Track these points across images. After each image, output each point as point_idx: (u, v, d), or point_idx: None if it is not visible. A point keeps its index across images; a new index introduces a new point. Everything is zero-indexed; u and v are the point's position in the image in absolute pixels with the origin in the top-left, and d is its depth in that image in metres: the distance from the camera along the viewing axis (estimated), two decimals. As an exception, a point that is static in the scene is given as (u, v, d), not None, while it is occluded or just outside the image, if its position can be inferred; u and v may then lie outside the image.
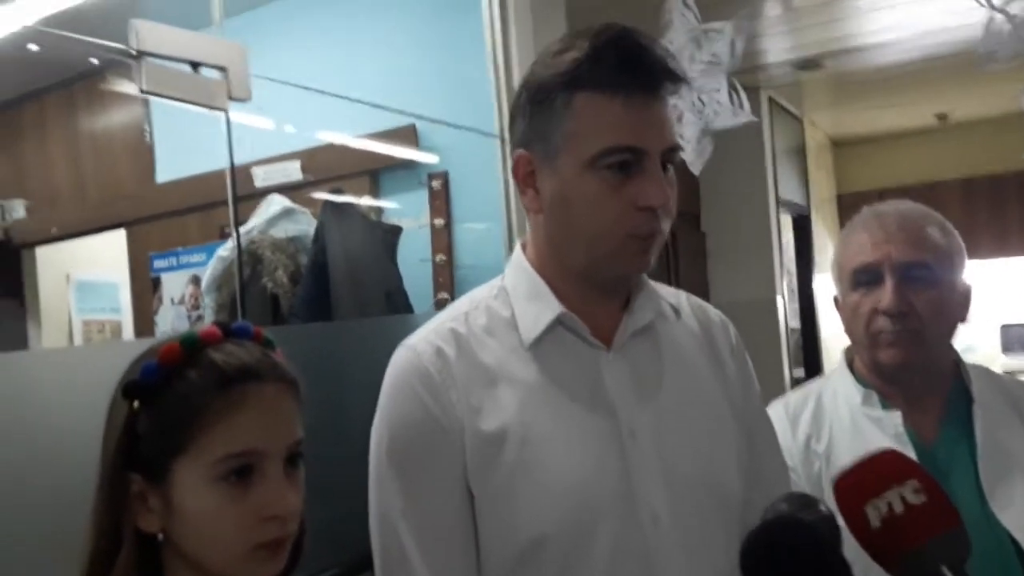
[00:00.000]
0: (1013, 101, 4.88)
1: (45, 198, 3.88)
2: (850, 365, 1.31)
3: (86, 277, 4.44)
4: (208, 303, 2.19)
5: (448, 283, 2.47)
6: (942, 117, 5.29)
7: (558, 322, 0.93)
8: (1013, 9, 1.82)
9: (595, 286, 0.95)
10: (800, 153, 5.12)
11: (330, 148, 2.61)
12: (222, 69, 1.53)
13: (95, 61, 2.70)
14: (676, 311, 1.02)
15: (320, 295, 1.99)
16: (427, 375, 0.91)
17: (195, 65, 1.48)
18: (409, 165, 2.52)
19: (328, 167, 2.67)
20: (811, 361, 4.86)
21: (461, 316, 0.96)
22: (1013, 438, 1.18)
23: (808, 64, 3.98)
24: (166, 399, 0.75)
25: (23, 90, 3.83)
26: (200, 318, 3.16)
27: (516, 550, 0.87)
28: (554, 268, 0.95)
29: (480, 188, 2.43)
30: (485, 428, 0.89)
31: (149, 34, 1.39)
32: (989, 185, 5.13)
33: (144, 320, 3.39)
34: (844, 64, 4.05)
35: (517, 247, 1.02)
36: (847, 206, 5.93)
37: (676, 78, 0.89)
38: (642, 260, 0.91)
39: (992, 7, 1.80)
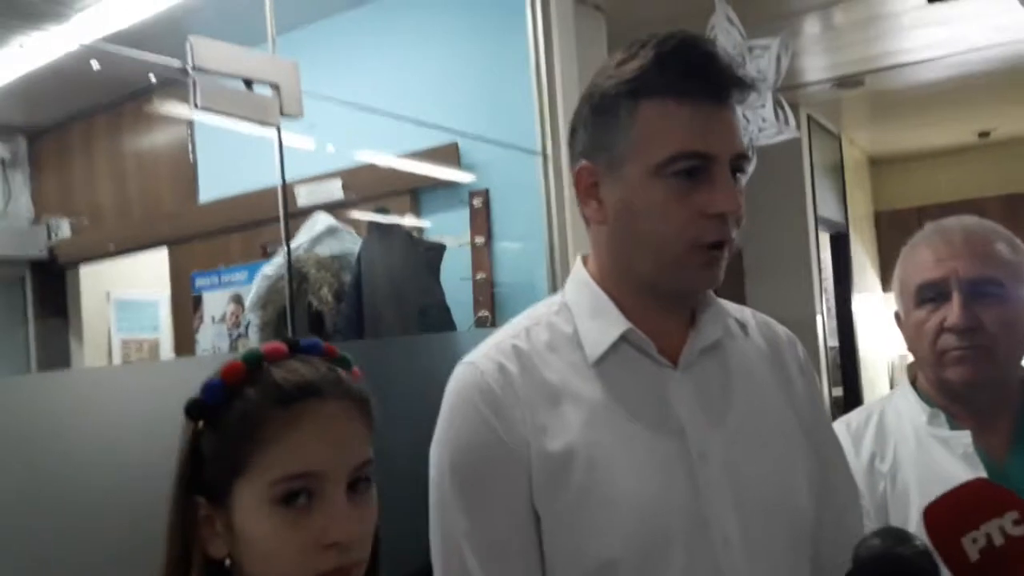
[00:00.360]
0: (1059, 117, 4.82)
1: (90, 217, 3.96)
2: (913, 383, 1.28)
3: (125, 296, 4.50)
4: (254, 321, 2.20)
5: (488, 301, 2.47)
6: (984, 135, 5.21)
7: (623, 339, 0.91)
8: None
9: (661, 301, 0.92)
10: (838, 170, 5.07)
11: (372, 167, 2.64)
12: (274, 86, 1.54)
13: (153, 79, 2.74)
14: (743, 327, 0.99)
15: (364, 313, 2.00)
16: (490, 392, 0.88)
17: (248, 82, 1.50)
18: (450, 184, 2.53)
19: (369, 186, 2.69)
20: (850, 380, 4.77)
21: (522, 332, 0.94)
22: None
23: (847, 82, 3.95)
24: (228, 418, 0.73)
25: (72, 110, 3.92)
26: (240, 336, 3.19)
27: (584, 573, 0.85)
28: (618, 283, 0.93)
29: (521, 206, 2.43)
30: (551, 448, 0.86)
31: (205, 51, 1.41)
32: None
33: (185, 338, 3.42)
34: (884, 82, 4.01)
35: (578, 262, 1.00)
36: (885, 224, 5.86)
37: (744, 85, 0.87)
38: (710, 274, 0.89)
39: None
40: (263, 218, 3.11)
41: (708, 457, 0.88)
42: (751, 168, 0.94)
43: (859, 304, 5.07)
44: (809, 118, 4.47)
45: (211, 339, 3.24)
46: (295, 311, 2.13)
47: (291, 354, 0.77)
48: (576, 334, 0.93)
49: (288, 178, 2.82)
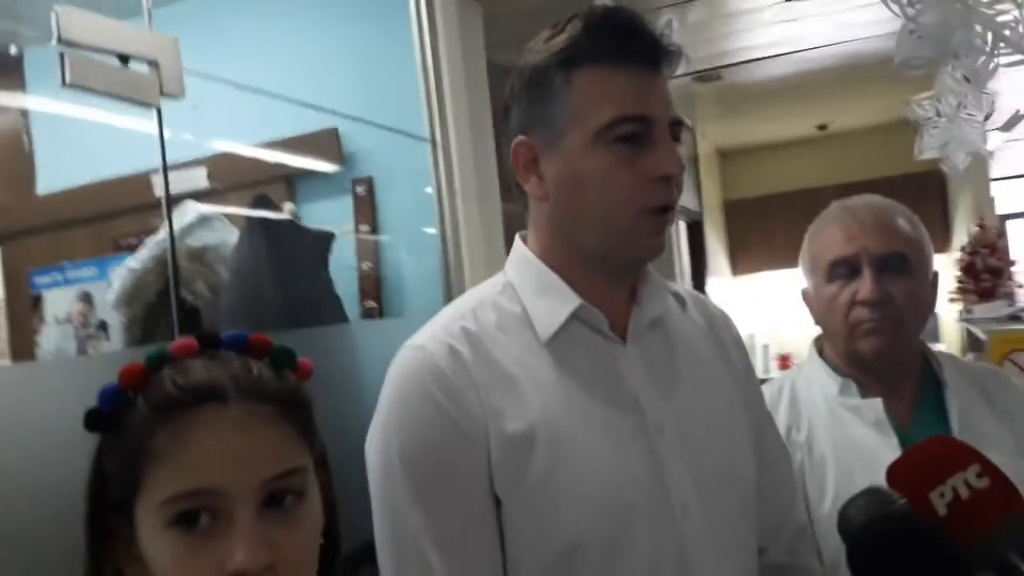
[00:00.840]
0: (887, 112, 5.25)
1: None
2: (819, 355, 1.33)
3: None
4: (118, 319, 2.01)
5: (374, 291, 2.38)
6: (822, 127, 5.61)
7: (573, 316, 0.89)
8: (924, 19, 1.92)
9: (606, 274, 0.92)
10: (693, 163, 5.31)
11: (240, 153, 2.47)
12: (153, 63, 1.40)
13: (13, 51, 2.44)
14: (681, 302, 1.01)
15: (247, 305, 1.86)
16: (442, 376, 0.84)
17: (124, 58, 1.35)
18: (331, 171, 2.42)
19: (238, 173, 2.52)
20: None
21: (469, 313, 0.91)
22: (983, 420, 1.23)
23: (706, 76, 4.11)
24: (124, 429, 0.63)
25: None
26: (90, 337, 2.92)
27: (550, 557, 0.83)
28: (563, 258, 0.92)
29: (408, 194, 2.36)
30: (510, 430, 0.83)
31: (74, 22, 1.25)
32: (866, 190, 5.45)
33: (22, 341, 3.09)
34: (738, 76, 4.22)
35: (517, 241, 0.98)
36: (733, 212, 6.20)
37: (672, 54, 0.88)
38: (657, 241, 0.89)
39: (906, 17, 1.89)
40: (115, 210, 2.88)
41: (664, 429, 0.88)
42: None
43: (713, 287, 5.34)
44: (667, 110, 4.64)
45: (55, 341, 2.94)
46: (164, 307, 1.96)
47: (202, 350, 0.67)
48: (525, 313, 0.91)
49: (142, 167, 2.64)
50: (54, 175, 3.09)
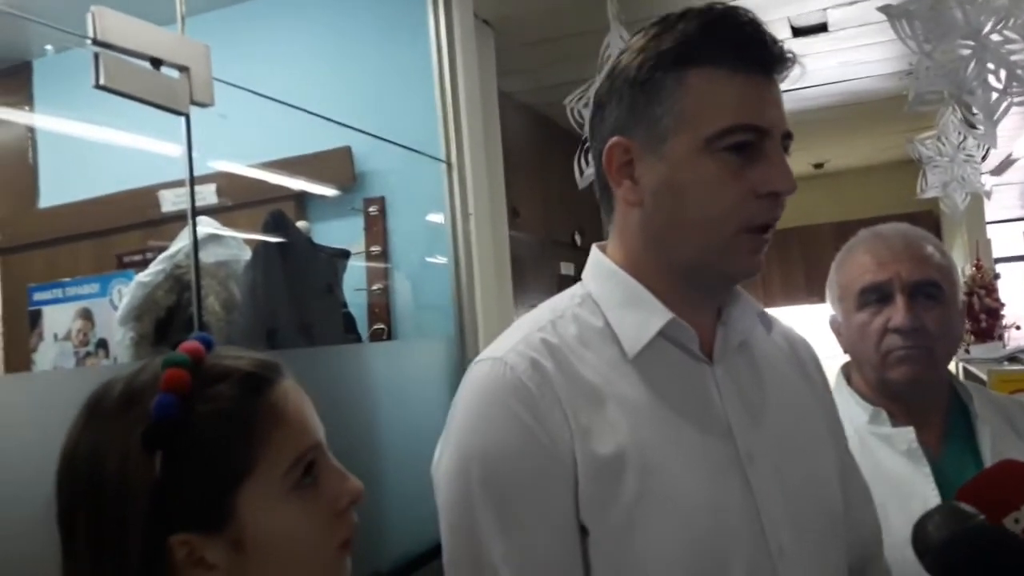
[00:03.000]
0: (885, 151, 5.33)
1: None
2: (847, 384, 1.32)
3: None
4: (127, 333, 1.98)
5: (384, 314, 2.36)
6: (818, 166, 5.68)
7: (660, 332, 0.83)
8: (938, 55, 1.95)
9: (696, 290, 0.86)
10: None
11: (251, 170, 2.46)
12: (184, 69, 1.39)
13: (49, 47, 2.43)
14: (767, 324, 0.93)
15: (261, 323, 1.84)
16: (525, 391, 0.77)
17: (157, 62, 1.34)
18: (342, 189, 2.41)
19: (247, 190, 2.51)
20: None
21: (548, 325, 0.84)
22: (1013, 450, 1.22)
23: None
24: (200, 431, 0.62)
25: None
26: (89, 354, 2.87)
27: None
28: (651, 270, 0.85)
29: (421, 215, 2.35)
30: (600, 452, 0.77)
31: (110, 23, 1.24)
32: (861, 228, 5.54)
33: (19, 357, 3.04)
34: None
35: (594, 251, 0.91)
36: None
37: (791, 61, 0.82)
38: (754, 260, 0.82)
39: (923, 52, 1.92)
40: (119, 224, 2.85)
41: (755, 459, 0.82)
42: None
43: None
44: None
45: (52, 359, 2.89)
46: (175, 322, 1.94)
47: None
48: (608, 327, 0.84)
49: (150, 181, 2.62)
50: (57, 189, 3.06)
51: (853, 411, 1.28)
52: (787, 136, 0.82)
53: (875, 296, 1.23)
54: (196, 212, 2.32)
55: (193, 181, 1.47)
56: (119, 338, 2.06)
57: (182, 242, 2.11)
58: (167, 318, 2.00)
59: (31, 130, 3.12)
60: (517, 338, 0.83)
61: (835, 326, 1.33)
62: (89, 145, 2.75)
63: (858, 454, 1.24)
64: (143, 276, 2.01)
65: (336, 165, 2.39)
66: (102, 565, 0.61)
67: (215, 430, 0.63)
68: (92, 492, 0.62)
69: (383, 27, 2.40)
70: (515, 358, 0.80)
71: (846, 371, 1.34)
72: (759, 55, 0.80)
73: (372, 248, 2.34)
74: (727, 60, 0.79)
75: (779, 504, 0.81)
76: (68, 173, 3.04)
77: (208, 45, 1.43)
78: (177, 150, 2.38)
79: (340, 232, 2.41)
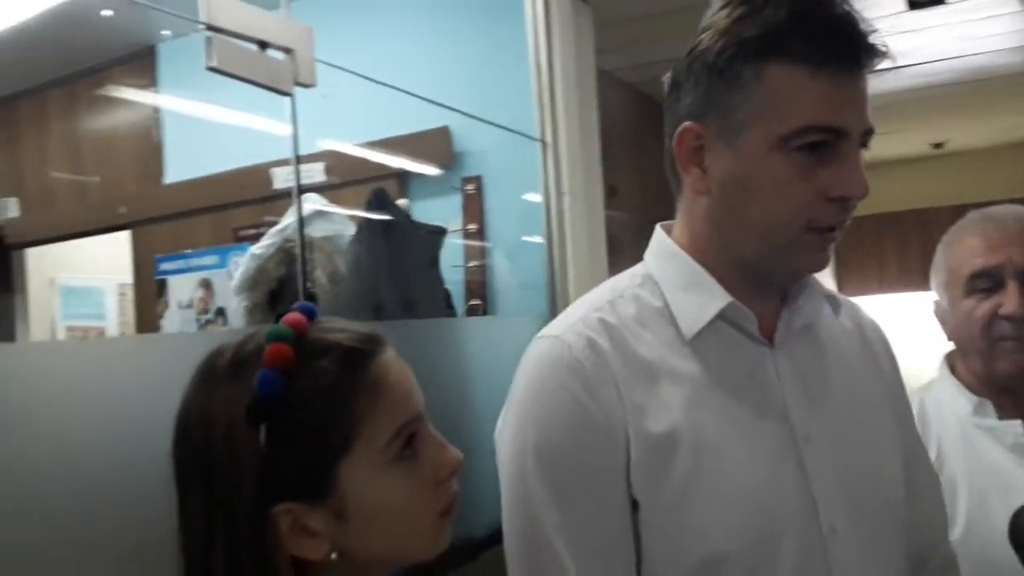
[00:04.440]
0: (1010, 131, 4.99)
1: (41, 198, 3.75)
2: (951, 373, 1.27)
3: (71, 282, 4.31)
4: (241, 303, 2.10)
5: (480, 290, 2.41)
6: (938, 145, 5.37)
7: (719, 315, 0.84)
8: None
9: (760, 278, 0.86)
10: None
11: (356, 149, 2.55)
12: (288, 51, 1.46)
13: (167, 33, 2.60)
14: (835, 307, 0.93)
15: (364, 295, 1.92)
16: (580, 369, 0.80)
17: (263, 45, 1.41)
18: (441, 168, 2.46)
19: (353, 169, 2.60)
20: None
21: (606, 305, 0.86)
22: None
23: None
24: (303, 405, 0.64)
25: (20, 87, 3.71)
26: (210, 322, 3.06)
27: (687, 568, 0.78)
28: (714, 255, 0.85)
29: (516, 194, 2.38)
30: (653, 429, 0.79)
31: (220, 7, 1.32)
32: (978, 211, 5.24)
33: (148, 324, 3.27)
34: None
35: (658, 231, 0.92)
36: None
37: (881, 54, 0.78)
38: (820, 258, 0.82)
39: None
40: (236, 200, 3.01)
41: (812, 440, 0.82)
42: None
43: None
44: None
45: (177, 325, 3.10)
46: (284, 293, 2.04)
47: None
48: (667, 308, 0.85)
49: (264, 159, 2.75)
50: (180, 166, 3.26)
51: (957, 401, 1.23)
52: (867, 132, 0.80)
53: (985, 282, 1.17)
54: (304, 189, 2.44)
55: (298, 160, 1.55)
56: (235, 306, 2.18)
57: (291, 217, 2.22)
58: (278, 288, 2.11)
59: (156, 110, 3.32)
60: (576, 317, 0.85)
61: (940, 313, 1.27)
62: (208, 124, 2.91)
63: (959, 445, 1.20)
64: (256, 249, 2.12)
65: (435, 144, 2.45)
66: (214, 527, 0.64)
67: (317, 405, 0.64)
68: (203, 457, 0.65)
69: (480, 7, 2.43)
70: (572, 337, 0.82)
71: (950, 360, 1.29)
72: (847, 51, 0.76)
73: (469, 226, 2.39)
74: (811, 56, 0.75)
75: (834, 485, 0.82)
76: (190, 151, 3.23)
77: (311, 27, 1.49)
78: (287, 129, 2.50)
79: (439, 210, 2.46)
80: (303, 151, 2.63)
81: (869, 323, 0.99)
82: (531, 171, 2.29)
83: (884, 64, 0.79)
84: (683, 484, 0.78)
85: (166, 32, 3.06)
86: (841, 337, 0.93)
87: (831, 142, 0.77)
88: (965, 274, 1.19)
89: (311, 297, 1.98)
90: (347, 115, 2.45)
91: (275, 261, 2.05)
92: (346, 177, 2.59)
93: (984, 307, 1.17)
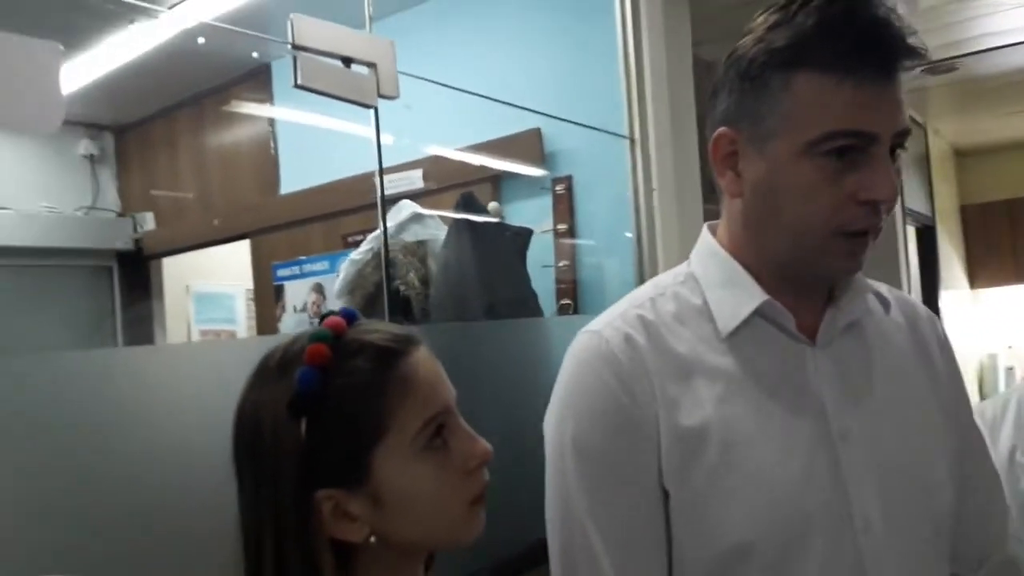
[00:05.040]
0: None
1: (173, 210, 4.06)
2: None
3: (204, 288, 4.62)
4: (342, 306, 2.21)
5: (571, 290, 2.43)
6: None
7: (757, 313, 0.85)
8: None
9: (797, 278, 0.87)
10: (923, 162, 4.88)
11: (452, 154, 2.63)
12: (371, 65, 1.53)
13: (256, 55, 2.79)
14: (884, 303, 0.93)
15: (452, 297, 1.98)
16: (616, 362, 0.84)
17: (347, 61, 1.49)
18: (534, 169, 2.50)
19: (450, 174, 2.69)
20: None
21: (647, 302, 0.90)
22: None
23: (938, 68, 3.78)
24: (339, 399, 0.70)
25: (156, 107, 4.04)
26: (321, 325, 3.23)
27: (716, 558, 0.80)
28: (752, 254, 0.87)
29: (606, 193, 2.38)
30: (684, 423, 0.82)
31: (305, 29, 1.41)
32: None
33: (268, 327, 3.48)
34: (974, 67, 3.83)
35: (704, 231, 0.94)
36: (971, 217, 5.63)
37: (916, 55, 0.77)
38: (852, 262, 0.82)
39: None
40: (344, 208, 3.16)
41: (850, 437, 0.83)
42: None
43: (947, 301, 4.88)
44: (895, 107, 4.31)
45: (293, 328, 3.28)
46: (382, 296, 2.13)
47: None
48: (706, 305, 0.88)
49: (367, 168, 2.88)
50: (294, 176, 3.45)
51: None
52: (902, 134, 0.78)
53: None
54: (402, 196, 2.54)
55: (382, 170, 1.63)
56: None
57: (389, 223, 2.31)
58: (375, 292, 2.21)
59: (272, 124, 3.53)
60: (616, 314, 0.90)
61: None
62: (318, 136, 3.07)
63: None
64: (354, 255, 2.23)
65: (527, 146, 2.49)
66: (263, 510, 0.71)
67: (351, 399, 0.70)
68: (253, 447, 0.72)
69: (569, 7, 2.45)
70: (610, 332, 0.87)
71: None
72: (874, 59, 0.76)
73: (559, 226, 2.41)
74: (837, 66, 0.76)
75: (871, 481, 0.81)
76: (303, 163, 3.42)
77: (393, 41, 1.56)
78: (389, 139, 2.60)
79: (531, 211, 2.50)
80: (404, 159, 2.76)
81: (924, 318, 0.98)
82: (621, 169, 2.30)
83: (916, 64, 0.78)
84: (711, 476, 0.80)
85: (254, 54, 3.25)
86: (891, 333, 0.92)
87: (859, 146, 0.77)
88: None
89: (405, 300, 2.07)
90: (442, 123, 2.54)
91: (372, 266, 2.15)
92: (443, 182, 2.68)
93: None
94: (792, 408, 0.83)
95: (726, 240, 0.91)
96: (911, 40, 0.77)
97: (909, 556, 0.82)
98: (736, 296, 0.86)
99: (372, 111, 1.58)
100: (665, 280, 0.93)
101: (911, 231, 4.54)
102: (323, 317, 0.77)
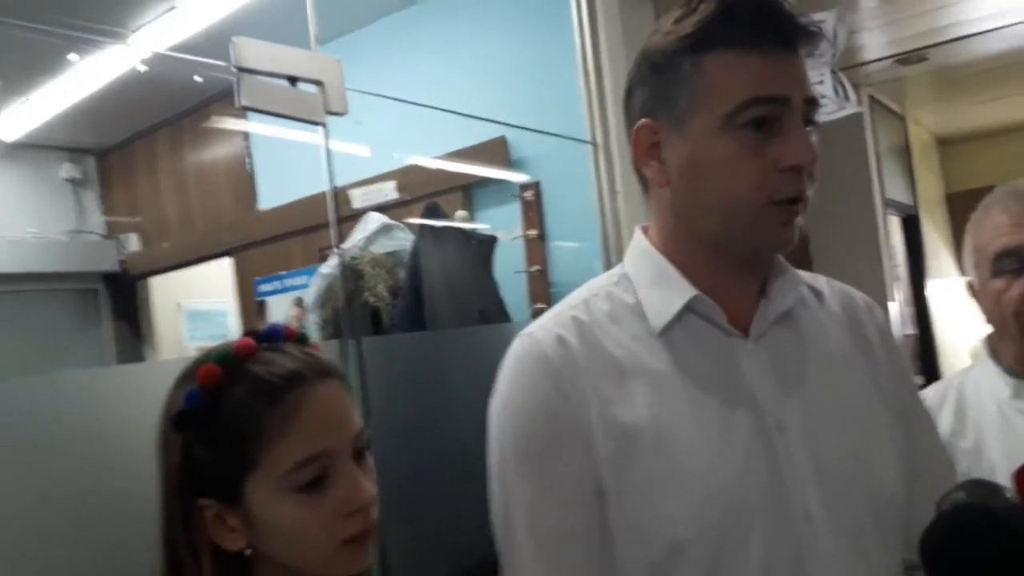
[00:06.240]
0: None
1: (156, 231, 4.08)
2: (994, 356, 1.20)
3: (196, 306, 4.63)
4: (314, 320, 2.23)
5: (544, 294, 2.45)
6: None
7: (689, 309, 0.86)
8: None
9: (730, 265, 0.87)
10: (904, 152, 4.89)
11: (423, 166, 2.65)
12: (318, 83, 1.55)
13: (198, 79, 2.81)
14: (817, 295, 0.94)
15: (419, 307, 1.99)
16: (548, 363, 0.85)
17: (292, 80, 1.51)
18: (500, 177, 2.52)
19: (422, 185, 2.71)
20: (928, 367, 4.59)
21: (580, 304, 0.90)
22: None
23: (910, 58, 3.79)
24: (219, 422, 0.72)
25: (136, 129, 4.06)
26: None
27: (655, 554, 0.80)
28: (683, 248, 0.88)
29: (573, 197, 2.40)
30: (620, 421, 0.82)
31: (248, 50, 1.42)
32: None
33: (251, 343, 3.49)
34: (949, 56, 3.83)
35: (637, 232, 0.95)
36: (957, 205, 5.62)
37: (812, 34, 0.81)
38: (785, 233, 0.83)
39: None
40: (320, 222, 3.18)
41: (786, 429, 0.83)
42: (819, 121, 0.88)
43: (934, 289, 4.88)
44: (871, 98, 4.32)
45: (275, 344, 3.29)
46: (350, 308, 2.15)
47: (260, 344, 0.76)
48: (638, 304, 0.88)
49: (342, 182, 2.89)
50: (271, 192, 3.46)
51: (995, 384, 1.18)
52: (810, 103, 0.81)
53: (1011, 262, 1.11)
54: (374, 209, 2.56)
55: (334, 186, 1.64)
56: (309, 324, 2.32)
57: (358, 236, 2.33)
58: (345, 305, 2.22)
59: (247, 140, 3.55)
60: (550, 316, 0.90)
61: (973, 293, 1.22)
62: (293, 151, 3.09)
63: (999, 431, 1.15)
64: (323, 268, 2.25)
65: (493, 155, 2.51)
66: (164, 507, 0.75)
67: (228, 426, 0.72)
68: (159, 443, 0.76)
69: (524, 15, 2.47)
70: (543, 334, 0.87)
71: (991, 342, 1.22)
72: (775, 31, 0.80)
73: (530, 231, 2.43)
74: (742, 39, 0.80)
75: (809, 472, 0.82)
76: (279, 178, 3.43)
77: (339, 60, 1.58)
78: (365, 151, 2.62)
79: (502, 217, 2.52)
80: (378, 171, 2.77)
81: (861, 305, 0.98)
82: (588, 174, 2.31)
83: (818, 44, 0.82)
84: (646, 474, 0.80)
85: (197, 78, 3.26)
86: (827, 325, 0.93)
87: (775, 115, 0.79)
88: (991, 254, 1.14)
89: (375, 311, 2.08)
90: (409, 136, 2.55)
91: (341, 280, 2.16)
92: (415, 193, 2.70)
93: (1013, 289, 1.11)
94: (726, 402, 0.83)
95: (657, 238, 0.92)
96: (805, 21, 0.81)
97: (851, 545, 0.83)
98: (666, 293, 0.87)
99: (323, 127, 1.60)
100: (599, 282, 0.94)
101: (895, 221, 4.54)
102: (247, 333, 0.79)
